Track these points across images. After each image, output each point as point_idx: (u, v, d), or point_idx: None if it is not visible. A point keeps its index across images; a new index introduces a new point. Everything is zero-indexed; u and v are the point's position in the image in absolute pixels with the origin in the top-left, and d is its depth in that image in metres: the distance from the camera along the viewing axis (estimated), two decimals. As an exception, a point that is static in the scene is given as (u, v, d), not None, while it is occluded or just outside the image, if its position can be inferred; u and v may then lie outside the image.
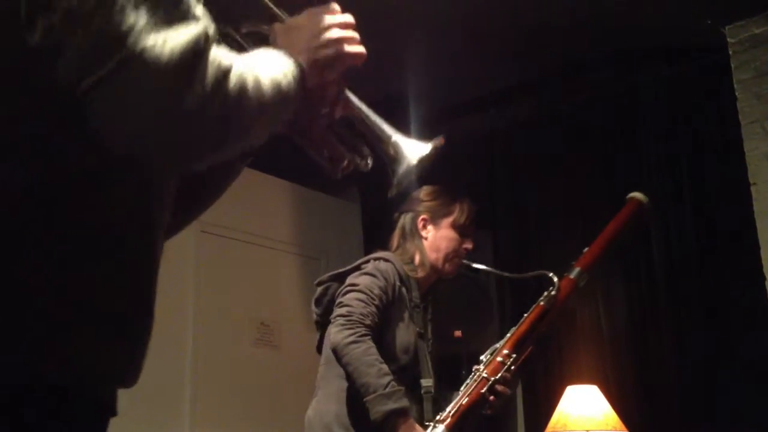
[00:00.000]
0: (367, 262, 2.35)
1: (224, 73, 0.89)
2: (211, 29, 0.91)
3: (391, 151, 1.20)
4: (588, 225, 3.78)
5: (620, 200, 3.72)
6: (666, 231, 3.63)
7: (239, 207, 4.11)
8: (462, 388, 2.21)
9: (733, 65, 3.37)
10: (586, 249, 2.28)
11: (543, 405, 3.65)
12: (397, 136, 1.21)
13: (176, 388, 3.64)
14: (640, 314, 3.65)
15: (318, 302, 2.41)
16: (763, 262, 3.15)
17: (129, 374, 0.99)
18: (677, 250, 3.59)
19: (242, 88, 0.92)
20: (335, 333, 2.16)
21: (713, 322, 3.42)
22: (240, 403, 3.85)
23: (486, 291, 3.80)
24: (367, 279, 2.27)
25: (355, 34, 1.17)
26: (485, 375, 2.19)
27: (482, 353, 2.33)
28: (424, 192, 2.51)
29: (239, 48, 1.16)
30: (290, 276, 4.30)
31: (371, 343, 2.14)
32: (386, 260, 2.36)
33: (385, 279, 2.29)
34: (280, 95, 1.01)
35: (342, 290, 2.28)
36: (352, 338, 2.12)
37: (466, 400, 2.16)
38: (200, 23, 0.89)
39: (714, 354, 3.38)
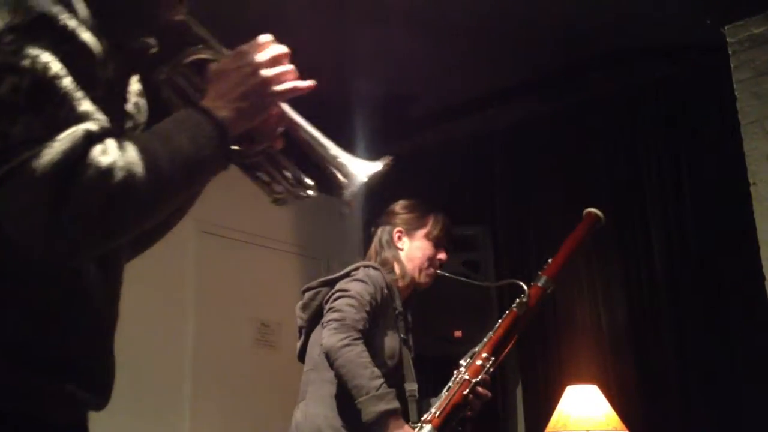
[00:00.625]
0: (357, 269, 2.41)
1: (104, 172, 0.92)
2: (98, 124, 0.94)
3: (338, 172, 1.20)
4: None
5: (619, 199, 3.76)
6: (666, 231, 3.63)
7: (239, 207, 4.11)
8: (445, 391, 2.28)
9: (732, 65, 3.37)
10: (550, 260, 2.45)
11: (543, 405, 3.66)
12: (344, 157, 1.21)
13: (176, 387, 3.65)
14: (641, 314, 3.65)
15: (306, 307, 2.46)
16: (763, 261, 3.15)
17: (99, 400, 1.08)
18: (677, 250, 3.59)
19: (129, 178, 0.94)
20: (329, 336, 2.21)
21: (713, 322, 3.42)
22: (240, 402, 3.86)
23: (486, 290, 3.80)
24: (359, 285, 2.33)
25: (287, 68, 1.15)
26: (467, 377, 2.26)
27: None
28: (399, 206, 2.62)
29: (177, 90, 1.19)
30: (290, 276, 4.30)
31: (364, 347, 2.19)
32: (375, 268, 2.43)
33: (375, 286, 2.35)
34: (187, 166, 1.02)
35: (333, 296, 2.33)
36: (346, 341, 2.18)
37: (450, 400, 2.23)
38: (83, 125, 0.93)
39: (714, 354, 3.38)
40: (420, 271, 2.53)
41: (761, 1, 3.28)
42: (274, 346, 4.11)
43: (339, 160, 1.20)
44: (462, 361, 2.33)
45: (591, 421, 3.13)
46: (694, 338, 3.46)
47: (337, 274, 2.42)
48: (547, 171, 4.08)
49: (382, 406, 2.11)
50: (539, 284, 2.42)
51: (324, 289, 2.41)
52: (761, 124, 3.28)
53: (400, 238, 2.56)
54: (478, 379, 2.26)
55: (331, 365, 2.21)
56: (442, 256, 2.57)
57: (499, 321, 2.38)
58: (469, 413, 2.28)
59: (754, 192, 3.24)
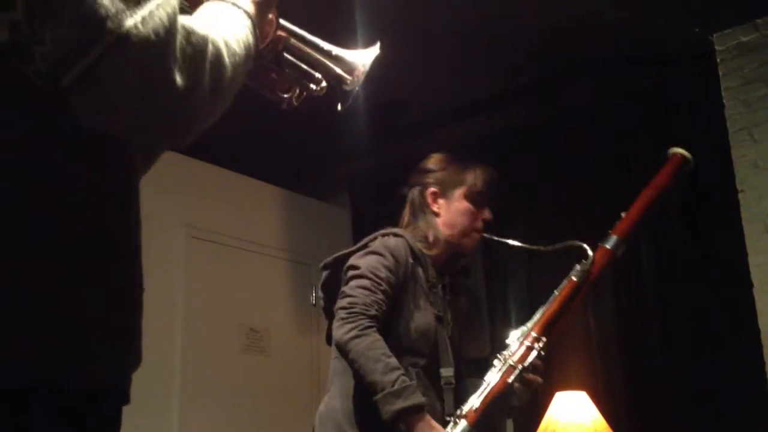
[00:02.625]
0: (374, 239, 2.13)
1: (203, 43, 0.88)
2: None
3: (337, 65, 1.25)
4: (578, 228, 3.78)
5: (609, 205, 3.77)
6: (655, 237, 3.64)
7: (229, 212, 4.10)
8: (486, 378, 1.99)
9: (720, 73, 3.39)
10: (623, 213, 2.05)
11: (532, 410, 3.65)
12: (338, 50, 1.27)
13: (165, 394, 3.63)
14: (629, 320, 3.66)
15: (324, 288, 2.21)
16: (751, 268, 3.16)
17: (134, 359, 1.00)
18: (666, 257, 3.60)
19: (219, 53, 0.91)
20: (336, 328, 1.97)
21: (702, 329, 3.43)
22: (229, 409, 3.84)
23: (476, 297, 3.80)
24: (373, 259, 2.06)
25: None
26: (512, 362, 1.97)
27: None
28: (432, 161, 2.28)
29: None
30: (280, 281, 4.29)
31: (376, 336, 1.94)
32: (396, 235, 2.14)
33: (395, 257, 2.07)
34: (248, 51, 1.01)
35: (346, 275, 2.08)
36: (354, 332, 1.93)
37: (489, 391, 1.95)
38: None
39: (703, 360, 3.39)
40: (463, 236, 2.20)
41: (749, 10, 3.30)
42: (264, 352, 4.09)
43: (335, 53, 1.25)
44: (509, 341, 2.02)
45: (579, 428, 3.13)
46: (682, 345, 3.47)
47: (353, 248, 2.15)
48: (536, 177, 4.08)
49: (400, 404, 1.85)
50: (607, 246, 2.04)
51: (340, 267, 2.15)
52: (749, 131, 3.30)
53: (435, 199, 2.22)
54: (525, 365, 1.97)
55: (345, 359, 1.97)
56: (486, 215, 2.22)
57: (555, 293, 2.04)
58: (517, 402, 2.00)
59: (742, 199, 3.25)
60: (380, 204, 4.44)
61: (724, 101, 3.36)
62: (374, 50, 1.27)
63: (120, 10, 0.80)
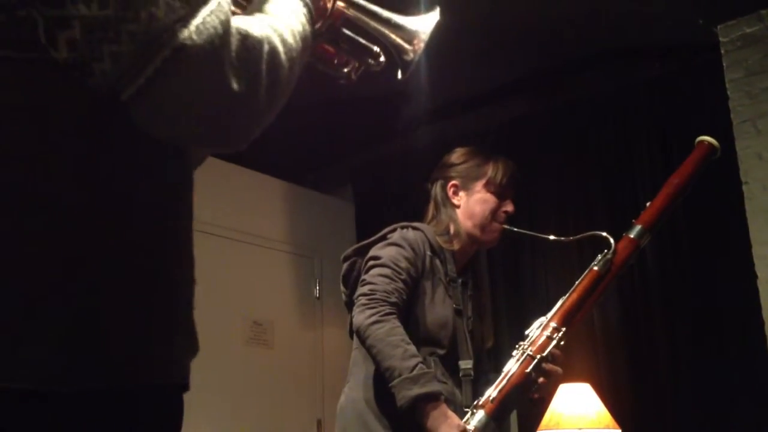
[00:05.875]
0: (394, 230, 2.15)
1: (259, 46, 0.88)
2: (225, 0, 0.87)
3: (397, 33, 1.19)
4: (579, 223, 3.79)
5: (611, 199, 3.77)
6: (658, 229, 3.63)
7: (232, 205, 4.10)
8: (504, 369, 1.98)
9: (725, 64, 3.38)
10: (648, 203, 2.04)
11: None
12: (398, 18, 1.21)
13: (169, 387, 3.64)
14: (633, 312, 3.65)
15: (345, 280, 2.19)
16: (755, 260, 3.16)
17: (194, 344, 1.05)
18: (669, 248, 3.59)
19: (275, 53, 0.91)
20: (357, 314, 1.97)
21: (705, 320, 3.43)
22: (232, 401, 3.85)
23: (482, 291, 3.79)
24: (393, 250, 2.07)
25: None
26: (530, 353, 1.94)
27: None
28: (455, 155, 2.29)
29: None
30: (283, 274, 4.30)
31: (396, 323, 1.94)
32: (415, 228, 2.16)
33: (413, 249, 2.09)
34: (305, 42, 1.00)
35: (366, 265, 2.09)
36: (374, 318, 1.93)
37: (507, 381, 1.93)
38: None
39: (706, 352, 3.39)
40: (482, 227, 2.20)
41: (754, 1, 3.29)
42: (267, 345, 4.10)
43: (395, 21, 1.19)
44: (528, 332, 2.01)
45: (583, 420, 3.13)
46: (686, 337, 3.47)
47: (372, 239, 2.16)
48: (539, 170, 4.07)
49: (416, 390, 1.84)
50: (631, 235, 2.01)
51: (360, 258, 2.15)
52: (753, 123, 3.29)
53: (455, 192, 2.23)
54: (544, 354, 1.93)
55: (363, 345, 1.97)
56: (508, 208, 2.23)
57: (576, 283, 2.02)
58: (536, 395, 1.96)
59: (747, 191, 3.25)
60: (383, 197, 4.44)
61: (729, 93, 3.35)
62: (434, 15, 1.21)
63: (174, 21, 0.80)
